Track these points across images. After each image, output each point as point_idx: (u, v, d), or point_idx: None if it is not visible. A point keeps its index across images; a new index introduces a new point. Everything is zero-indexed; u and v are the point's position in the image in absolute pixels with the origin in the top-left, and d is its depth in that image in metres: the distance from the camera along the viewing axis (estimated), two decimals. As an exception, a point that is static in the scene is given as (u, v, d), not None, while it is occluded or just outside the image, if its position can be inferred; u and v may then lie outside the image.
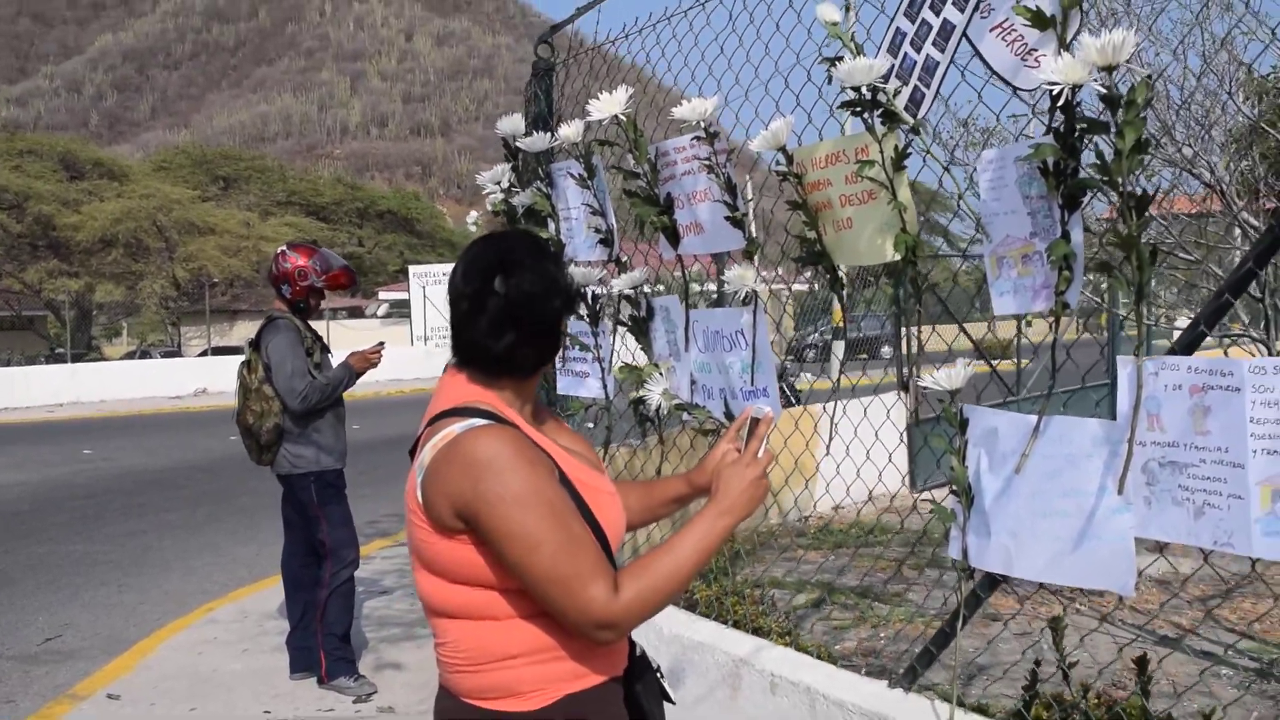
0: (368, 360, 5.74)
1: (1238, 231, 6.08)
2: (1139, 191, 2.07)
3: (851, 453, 4.58)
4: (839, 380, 11.13)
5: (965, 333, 3.20)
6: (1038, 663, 2.90)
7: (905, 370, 11.19)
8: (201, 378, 31.96)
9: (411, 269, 39.53)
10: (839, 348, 17.61)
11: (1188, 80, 5.71)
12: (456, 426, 2.02)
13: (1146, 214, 2.05)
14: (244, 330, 47.11)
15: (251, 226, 49.49)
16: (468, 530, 1.99)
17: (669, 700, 2.32)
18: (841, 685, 2.82)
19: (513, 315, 2.06)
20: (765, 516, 8.01)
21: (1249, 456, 1.92)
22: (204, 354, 38.62)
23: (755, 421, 2.31)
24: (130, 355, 43.39)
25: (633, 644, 2.26)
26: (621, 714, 2.19)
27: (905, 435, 9.94)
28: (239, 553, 9.16)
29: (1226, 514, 1.97)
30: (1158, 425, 2.06)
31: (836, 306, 16.74)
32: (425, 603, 2.13)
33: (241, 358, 5.68)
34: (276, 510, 5.89)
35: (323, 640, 5.59)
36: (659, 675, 2.32)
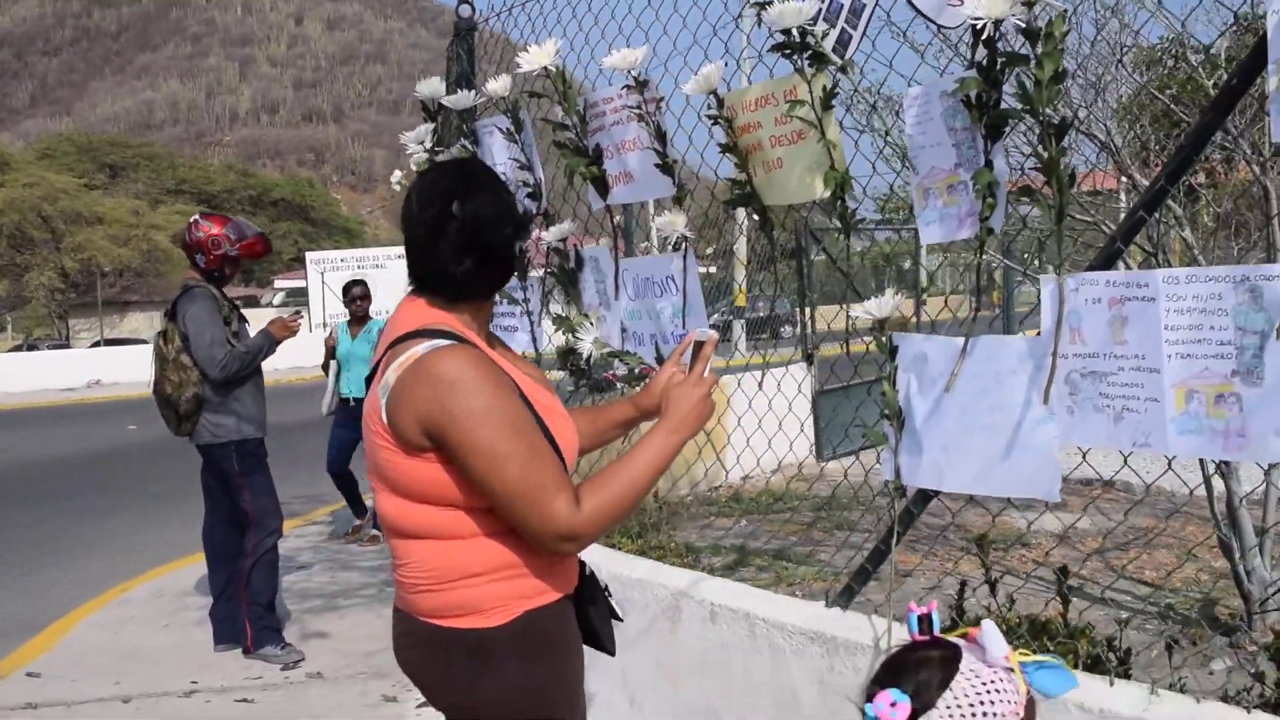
0: (287, 328, 5.72)
1: (1123, 198, 6.34)
2: (1057, 119, 2.20)
3: (759, 426, 4.72)
4: (763, 338, 11.26)
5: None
6: (964, 583, 3.05)
7: (809, 345, 11.41)
8: (94, 369, 31.12)
9: (309, 255, 38.72)
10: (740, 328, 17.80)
11: (1082, 47, 5.92)
12: (420, 347, 2.06)
13: (1065, 140, 2.19)
14: (135, 322, 46.03)
15: (141, 215, 48.45)
16: (434, 448, 2.03)
17: (617, 618, 2.39)
18: (780, 608, 2.93)
19: (470, 239, 2.11)
20: (675, 486, 8.14)
21: (1164, 361, 2.07)
22: (96, 345, 37.63)
23: (699, 344, 2.34)
24: (16, 349, 42.11)
25: (582, 564, 2.32)
26: (575, 631, 2.26)
27: (811, 406, 10.16)
28: (146, 537, 9.01)
29: (1144, 417, 2.11)
30: (1079, 338, 2.20)
31: (737, 288, 16.92)
32: (389, 524, 2.17)
33: (137, 347, 5.63)
34: (181, 495, 5.85)
35: (248, 610, 5.57)
36: (607, 594, 2.38)
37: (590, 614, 2.30)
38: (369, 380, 2.21)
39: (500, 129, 3.78)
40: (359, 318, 8.68)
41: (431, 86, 4.29)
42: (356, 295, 8.68)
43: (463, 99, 3.90)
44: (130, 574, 7.73)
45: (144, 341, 37.27)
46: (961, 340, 2.42)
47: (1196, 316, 2.02)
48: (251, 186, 68.68)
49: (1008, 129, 2.29)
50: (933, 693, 1.46)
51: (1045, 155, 2.18)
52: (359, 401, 7.98)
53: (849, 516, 7.55)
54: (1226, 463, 4.95)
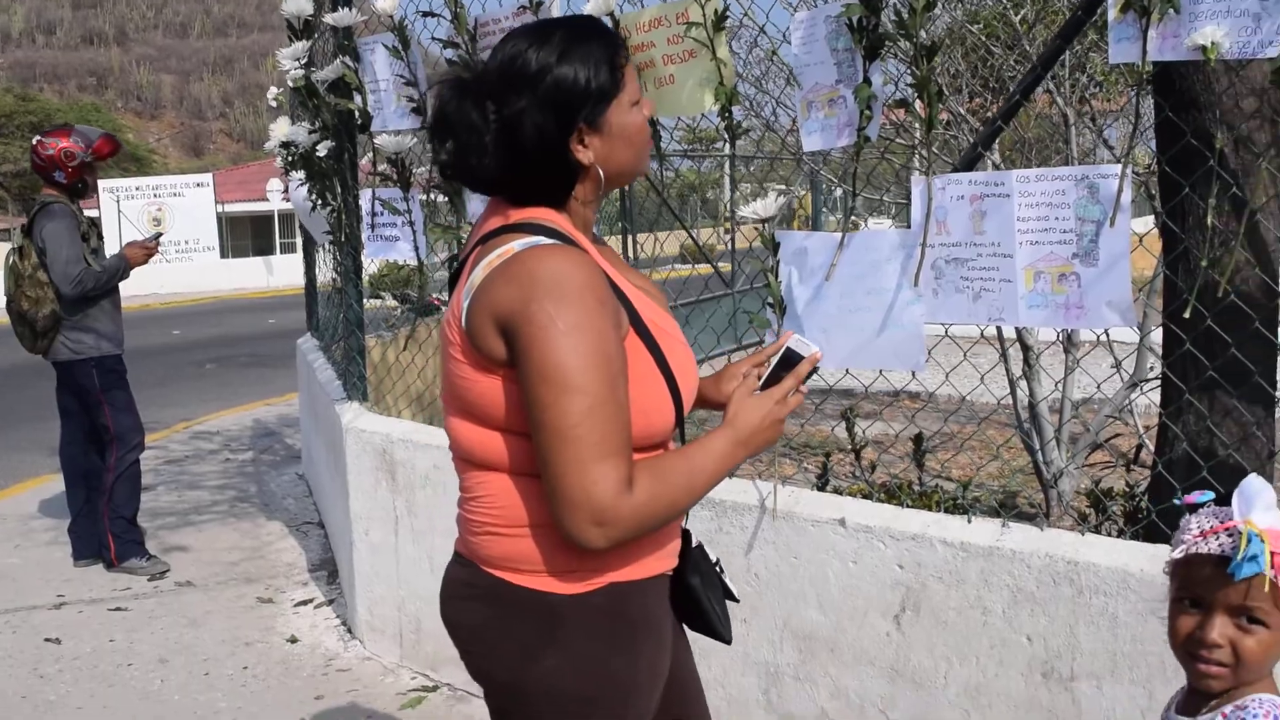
0: (146, 250, 5.73)
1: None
2: (928, 42, 2.56)
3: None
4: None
5: (689, 234, 3.66)
6: (827, 454, 3.44)
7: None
8: None
9: (102, 184, 37.15)
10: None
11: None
12: (517, 243, 1.73)
13: (935, 59, 2.55)
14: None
15: (-86, 142, 45.36)
16: (507, 363, 1.72)
17: (732, 598, 2.06)
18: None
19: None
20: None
21: (1016, 248, 2.46)
22: None
23: (790, 353, 1.92)
24: None
25: (687, 533, 1.98)
26: (665, 612, 1.94)
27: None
28: (-37, 469, 8.79)
29: (999, 295, 2.50)
30: (944, 230, 2.58)
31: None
32: (462, 451, 1.86)
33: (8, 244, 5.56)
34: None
35: (110, 524, 5.61)
36: (719, 571, 2.04)
37: (699, 592, 1.96)
38: (453, 281, 1.90)
39: (386, 45, 3.95)
40: None
41: (298, 5, 4.49)
42: None
43: (345, 17, 4.08)
44: (-41, 503, 7.58)
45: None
46: (839, 235, 2.77)
47: (1044, 209, 2.41)
48: (32, 111, 64.32)
49: (883, 50, 2.64)
50: None
51: (918, 73, 2.54)
52: None
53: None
54: (1030, 368, 5.54)
